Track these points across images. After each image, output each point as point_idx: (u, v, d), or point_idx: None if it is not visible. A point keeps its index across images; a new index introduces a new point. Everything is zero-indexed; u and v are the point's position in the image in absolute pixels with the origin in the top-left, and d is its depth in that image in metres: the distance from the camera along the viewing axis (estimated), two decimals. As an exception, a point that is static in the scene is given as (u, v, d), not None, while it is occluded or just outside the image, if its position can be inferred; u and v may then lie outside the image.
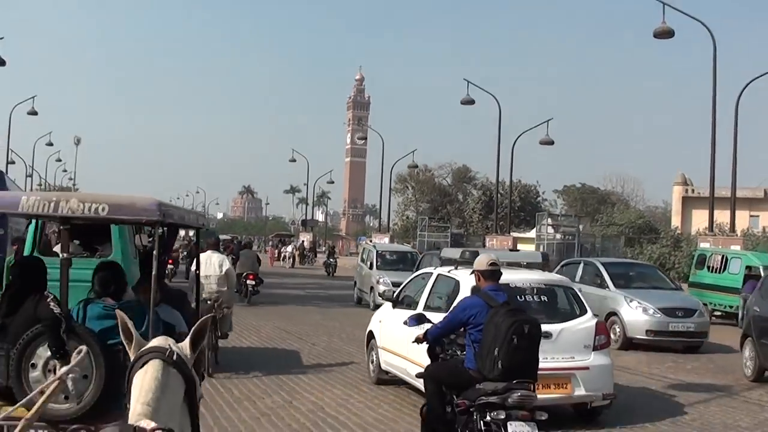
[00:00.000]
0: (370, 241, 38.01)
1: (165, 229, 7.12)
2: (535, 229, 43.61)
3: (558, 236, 37.34)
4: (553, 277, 12.55)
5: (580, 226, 37.04)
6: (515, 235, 48.71)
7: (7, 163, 61.29)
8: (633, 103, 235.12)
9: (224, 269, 14.68)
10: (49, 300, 6.21)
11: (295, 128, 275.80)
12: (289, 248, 64.39)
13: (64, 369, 5.21)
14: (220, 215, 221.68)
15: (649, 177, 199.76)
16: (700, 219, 53.97)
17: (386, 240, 60.28)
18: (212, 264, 14.59)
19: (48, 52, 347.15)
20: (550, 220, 38.94)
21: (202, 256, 12.60)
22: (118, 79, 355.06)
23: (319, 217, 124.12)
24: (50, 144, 72.41)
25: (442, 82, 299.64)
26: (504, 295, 7.77)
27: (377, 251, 29.24)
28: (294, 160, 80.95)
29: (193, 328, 3.36)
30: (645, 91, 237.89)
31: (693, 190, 65.36)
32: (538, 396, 7.66)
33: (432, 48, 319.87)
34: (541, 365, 7.65)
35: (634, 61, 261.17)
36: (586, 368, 10.64)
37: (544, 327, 8.35)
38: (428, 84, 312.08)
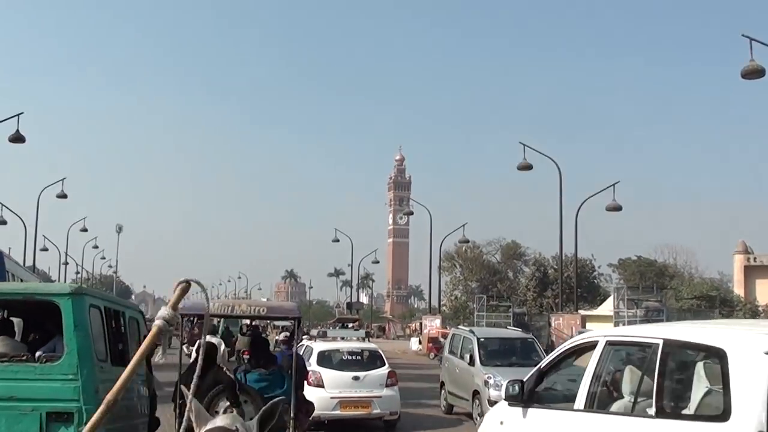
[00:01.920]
0: (466, 327, 28.18)
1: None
2: (612, 304, 39.33)
3: (639, 312, 33.32)
4: (369, 345, 20.16)
5: (663, 300, 33.05)
6: (584, 312, 44.55)
7: (36, 249, 60.75)
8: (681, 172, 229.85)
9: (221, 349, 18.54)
10: (225, 369, 10.67)
11: (337, 212, 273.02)
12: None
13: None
14: (264, 300, 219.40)
15: (699, 246, 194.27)
16: (764, 288, 50.14)
17: (438, 323, 56.62)
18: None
19: (78, 135, 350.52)
20: (629, 294, 34.84)
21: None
22: (156, 165, 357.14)
23: (364, 299, 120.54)
24: (85, 230, 72.22)
25: (490, 151, 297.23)
26: None
27: (479, 339, 21.47)
28: (337, 240, 78.24)
29: (263, 409, 3.33)
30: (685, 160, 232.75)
31: (755, 259, 61.00)
32: (353, 413, 17.46)
33: (477, 114, 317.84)
34: (355, 394, 17.49)
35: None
36: (380, 396, 17.68)
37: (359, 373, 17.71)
38: (473, 157, 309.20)
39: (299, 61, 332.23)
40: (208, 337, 16.11)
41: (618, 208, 38.74)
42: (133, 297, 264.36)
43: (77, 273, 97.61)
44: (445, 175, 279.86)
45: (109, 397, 3.06)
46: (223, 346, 20.09)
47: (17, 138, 36.01)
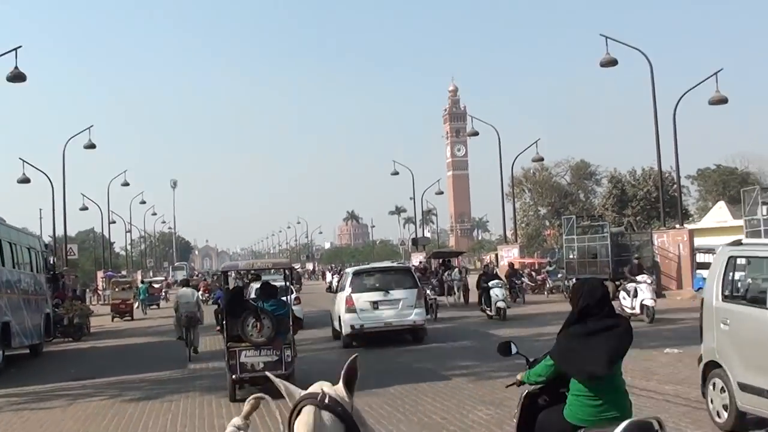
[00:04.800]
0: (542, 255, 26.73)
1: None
2: (711, 216, 33.97)
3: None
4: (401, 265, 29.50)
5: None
6: (690, 227, 39.11)
7: (110, 223, 78.17)
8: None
9: (195, 297, 23.63)
10: (249, 301, 16.92)
11: (394, 147, 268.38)
12: (456, 272, 40.31)
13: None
14: (327, 245, 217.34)
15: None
16: None
17: (516, 252, 51.59)
18: (187, 295, 23.49)
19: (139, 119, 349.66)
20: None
21: (181, 290, 24.65)
22: (205, 117, 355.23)
23: (427, 234, 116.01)
24: (126, 184, 76.58)
25: (548, 64, 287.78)
26: None
27: None
28: (397, 173, 73.41)
29: (344, 370, 3.36)
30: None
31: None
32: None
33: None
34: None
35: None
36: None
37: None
38: (532, 70, 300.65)
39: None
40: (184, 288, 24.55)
41: (723, 101, 33.34)
42: (196, 252, 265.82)
43: (127, 231, 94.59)
44: (504, 97, 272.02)
45: None
46: (195, 295, 24.37)
47: (17, 76, 32.92)
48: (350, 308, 22.21)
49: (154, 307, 51.66)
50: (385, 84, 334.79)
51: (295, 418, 3.26)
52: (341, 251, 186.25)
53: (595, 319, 6.15)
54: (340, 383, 3.36)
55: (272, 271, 33.76)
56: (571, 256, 39.23)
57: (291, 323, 15.19)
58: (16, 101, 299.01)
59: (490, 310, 28.43)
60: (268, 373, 4.05)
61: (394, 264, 30.27)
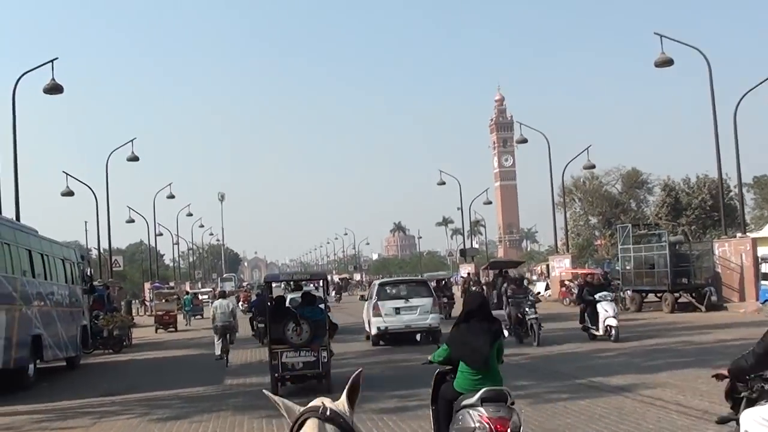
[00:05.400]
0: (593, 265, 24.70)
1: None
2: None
3: None
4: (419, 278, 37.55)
5: None
6: (753, 235, 37.34)
7: (156, 235, 79.93)
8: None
9: (230, 308, 25.34)
10: (290, 307, 18.97)
11: (441, 157, 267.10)
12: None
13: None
14: (375, 256, 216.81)
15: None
16: None
17: (567, 263, 50.14)
18: (223, 305, 25.18)
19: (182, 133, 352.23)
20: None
21: (216, 301, 27.22)
22: (253, 130, 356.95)
23: (475, 246, 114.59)
24: (190, 214, 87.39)
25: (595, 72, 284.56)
26: None
27: None
28: (443, 183, 72.36)
29: (348, 385, 3.40)
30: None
31: None
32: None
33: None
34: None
35: None
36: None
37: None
38: (576, 81, 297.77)
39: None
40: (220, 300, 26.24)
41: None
42: (245, 264, 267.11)
43: (175, 243, 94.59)
44: (552, 104, 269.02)
45: None
46: (231, 306, 26.12)
47: (53, 88, 32.98)
48: (377, 313, 26.07)
49: (198, 317, 51.06)
50: (432, 94, 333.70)
51: (297, 430, 3.30)
52: (388, 262, 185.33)
53: (476, 320, 8.62)
54: (342, 397, 3.40)
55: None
56: (627, 267, 37.56)
57: (327, 328, 17.21)
58: (59, 115, 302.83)
59: (596, 329, 24.29)
60: (265, 391, 3.96)
61: (413, 277, 38.63)
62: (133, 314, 58.19)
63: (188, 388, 18.48)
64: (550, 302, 46.35)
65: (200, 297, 60.36)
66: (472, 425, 7.97)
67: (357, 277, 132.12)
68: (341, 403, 3.39)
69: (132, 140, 52.18)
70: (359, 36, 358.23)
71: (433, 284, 32.03)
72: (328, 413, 3.27)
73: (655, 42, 34.72)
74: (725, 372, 6.70)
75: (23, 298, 20.49)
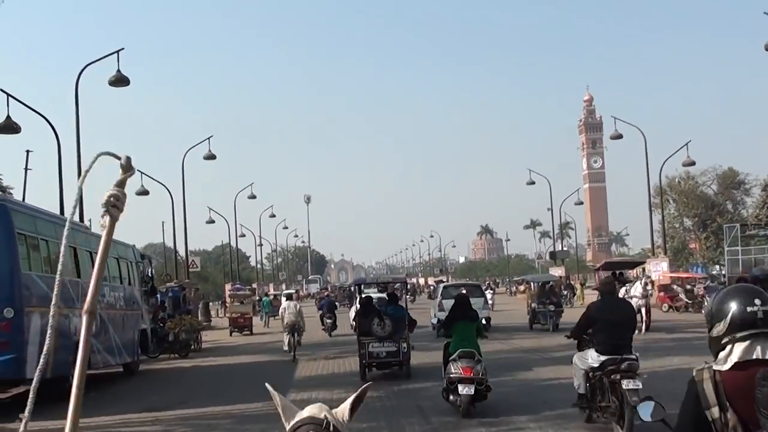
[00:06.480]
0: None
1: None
2: None
3: None
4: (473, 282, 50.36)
5: None
6: None
7: (237, 236, 77.85)
8: None
9: (297, 309, 27.60)
10: (376, 307, 21.28)
11: (528, 159, 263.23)
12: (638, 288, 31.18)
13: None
14: (461, 259, 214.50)
15: None
16: None
17: (665, 266, 47.03)
18: (290, 306, 27.70)
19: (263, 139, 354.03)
20: None
21: (284, 302, 29.80)
22: (337, 133, 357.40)
23: (565, 248, 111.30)
24: (273, 216, 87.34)
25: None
26: None
27: None
28: (533, 182, 69.55)
29: (354, 394, 3.16)
30: None
31: None
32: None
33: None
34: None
35: None
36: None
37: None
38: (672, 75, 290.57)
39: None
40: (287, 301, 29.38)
41: None
42: (332, 266, 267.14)
43: (259, 245, 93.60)
44: (641, 105, 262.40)
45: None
46: (298, 307, 28.19)
47: (119, 80, 31.45)
48: (441, 308, 31.32)
49: (278, 318, 49.43)
50: (521, 95, 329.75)
51: None
52: (475, 266, 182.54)
53: (460, 311, 15.10)
54: (345, 405, 3.15)
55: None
56: (735, 269, 34.37)
57: (407, 323, 19.96)
58: (132, 111, 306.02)
59: None
60: (267, 385, 3.35)
61: (468, 281, 53.36)
62: (212, 316, 57.11)
63: (245, 403, 16.14)
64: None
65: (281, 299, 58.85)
66: (453, 370, 13.72)
67: (444, 280, 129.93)
68: (341, 412, 3.15)
69: (209, 138, 50.92)
70: (448, 36, 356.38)
71: (536, 287, 36.99)
72: (330, 429, 3.00)
73: (764, 23, 31.57)
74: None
75: (64, 300, 18.48)
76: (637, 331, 28.11)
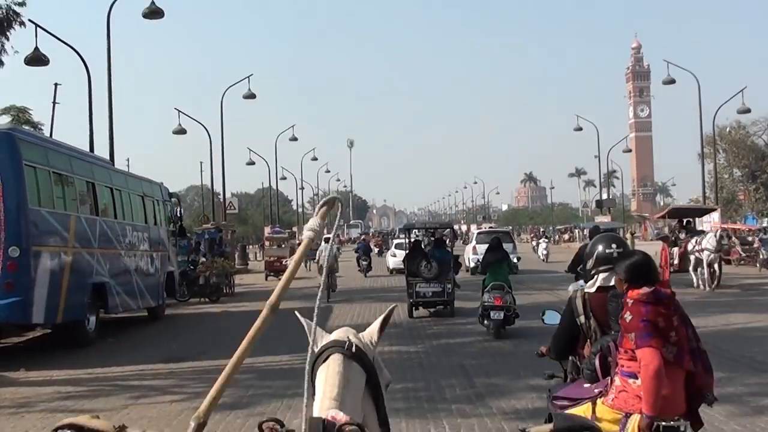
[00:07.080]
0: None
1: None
2: None
3: None
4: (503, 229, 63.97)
5: None
6: None
7: (278, 179, 78.28)
8: None
9: (332, 251, 27.75)
10: (424, 248, 23.34)
11: (573, 106, 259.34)
12: (710, 240, 28.34)
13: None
14: (504, 206, 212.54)
15: None
16: None
17: (716, 217, 45.24)
18: (326, 249, 27.21)
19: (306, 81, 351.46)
20: None
21: (323, 245, 28.60)
22: (381, 78, 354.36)
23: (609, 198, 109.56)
24: (315, 159, 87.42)
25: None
26: None
27: None
28: (580, 128, 68.00)
29: (382, 316, 3.35)
30: None
31: None
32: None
33: None
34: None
35: None
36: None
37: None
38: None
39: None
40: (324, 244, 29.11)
41: None
42: (374, 211, 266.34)
43: (300, 188, 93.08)
44: (690, 53, 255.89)
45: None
46: (334, 249, 31.15)
47: (153, 12, 30.04)
48: (474, 253, 36.55)
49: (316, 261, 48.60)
50: (569, 41, 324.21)
51: (320, 364, 3.17)
52: (519, 213, 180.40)
53: (494, 253, 18.07)
54: (374, 327, 3.32)
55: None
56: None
57: (452, 266, 21.25)
58: (168, 48, 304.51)
59: None
60: (296, 313, 3.57)
61: (500, 228, 60.70)
62: (249, 260, 56.23)
63: (270, 355, 14.43)
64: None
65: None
66: (487, 300, 16.81)
67: (485, 227, 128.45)
68: (369, 334, 3.30)
69: (248, 76, 49.60)
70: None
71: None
72: (353, 350, 3.13)
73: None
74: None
75: (80, 239, 17.31)
76: (705, 287, 27.12)
